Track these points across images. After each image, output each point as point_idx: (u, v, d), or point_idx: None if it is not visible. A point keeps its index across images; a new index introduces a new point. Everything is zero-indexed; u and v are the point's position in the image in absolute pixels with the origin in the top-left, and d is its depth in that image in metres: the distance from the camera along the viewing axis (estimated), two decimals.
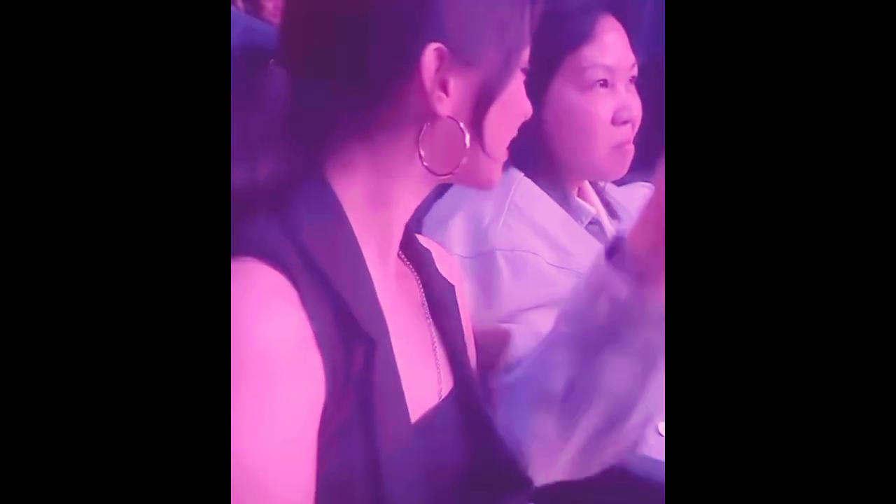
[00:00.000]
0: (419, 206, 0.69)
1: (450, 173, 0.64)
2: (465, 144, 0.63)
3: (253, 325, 0.54)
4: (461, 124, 0.62)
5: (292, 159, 0.63)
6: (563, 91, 0.94)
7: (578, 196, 1.01)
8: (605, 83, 0.93)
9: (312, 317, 0.56)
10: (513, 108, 0.66)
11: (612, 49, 0.94)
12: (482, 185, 0.70)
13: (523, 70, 0.67)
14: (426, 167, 0.63)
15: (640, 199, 1.05)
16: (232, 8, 0.70)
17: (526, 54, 0.66)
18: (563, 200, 0.97)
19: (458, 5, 0.61)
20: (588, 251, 0.88)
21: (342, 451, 0.58)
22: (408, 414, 0.63)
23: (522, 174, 0.95)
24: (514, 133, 0.69)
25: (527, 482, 0.70)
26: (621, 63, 0.95)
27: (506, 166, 0.83)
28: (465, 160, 0.63)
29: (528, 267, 0.89)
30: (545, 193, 0.95)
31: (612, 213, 1.05)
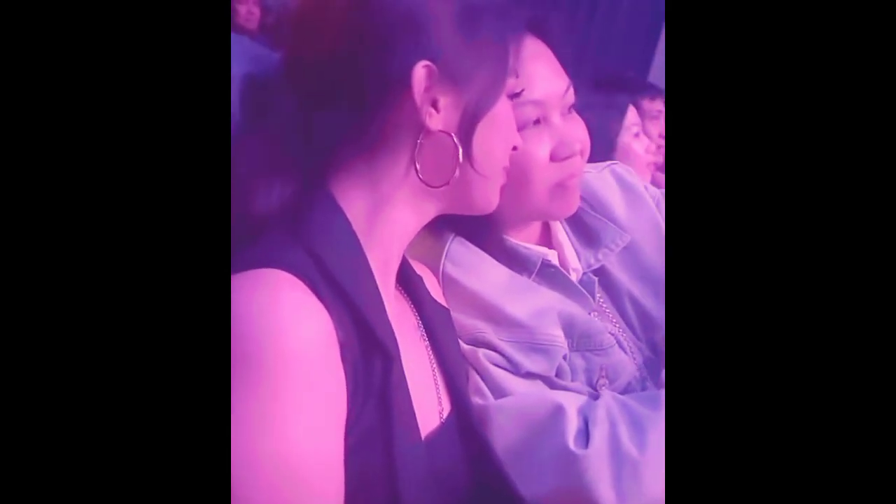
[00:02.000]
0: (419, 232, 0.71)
1: (446, 184, 0.66)
2: (457, 157, 0.65)
3: (287, 332, 0.54)
4: (454, 138, 0.65)
5: (302, 178, 0.64)
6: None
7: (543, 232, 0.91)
8: (537, 121, 0.79)
9: (338, 326, 0.58)
10: (499, 130, 0.69)
11: (538, 81, 0.79)
12: (479, 207, 0.72)
13: (510, 96, 0.69)
14: (422, 180, 0.65)
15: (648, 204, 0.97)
16: (233, 34, 0.71)
17: (512, 83, 0.69)
18: (504, 253, 0.85)
19: (448, 28, 0.64)
20: (536, 313, 0.81)
21: (363, 459, 0.59)
22: (419, 431, 0.65)
23: (452, 235, 0.83)
24: (505, 160, 0.71)
25: (521, 500, 0.72)
26: (552, 93, 0.80)
27: (437, 228, 0.80)
28: (457, 173, 0.65)
29: (480, 363, 0.78)
30: (480, 251, 0.83)
31: (589, 241, 0.92)
